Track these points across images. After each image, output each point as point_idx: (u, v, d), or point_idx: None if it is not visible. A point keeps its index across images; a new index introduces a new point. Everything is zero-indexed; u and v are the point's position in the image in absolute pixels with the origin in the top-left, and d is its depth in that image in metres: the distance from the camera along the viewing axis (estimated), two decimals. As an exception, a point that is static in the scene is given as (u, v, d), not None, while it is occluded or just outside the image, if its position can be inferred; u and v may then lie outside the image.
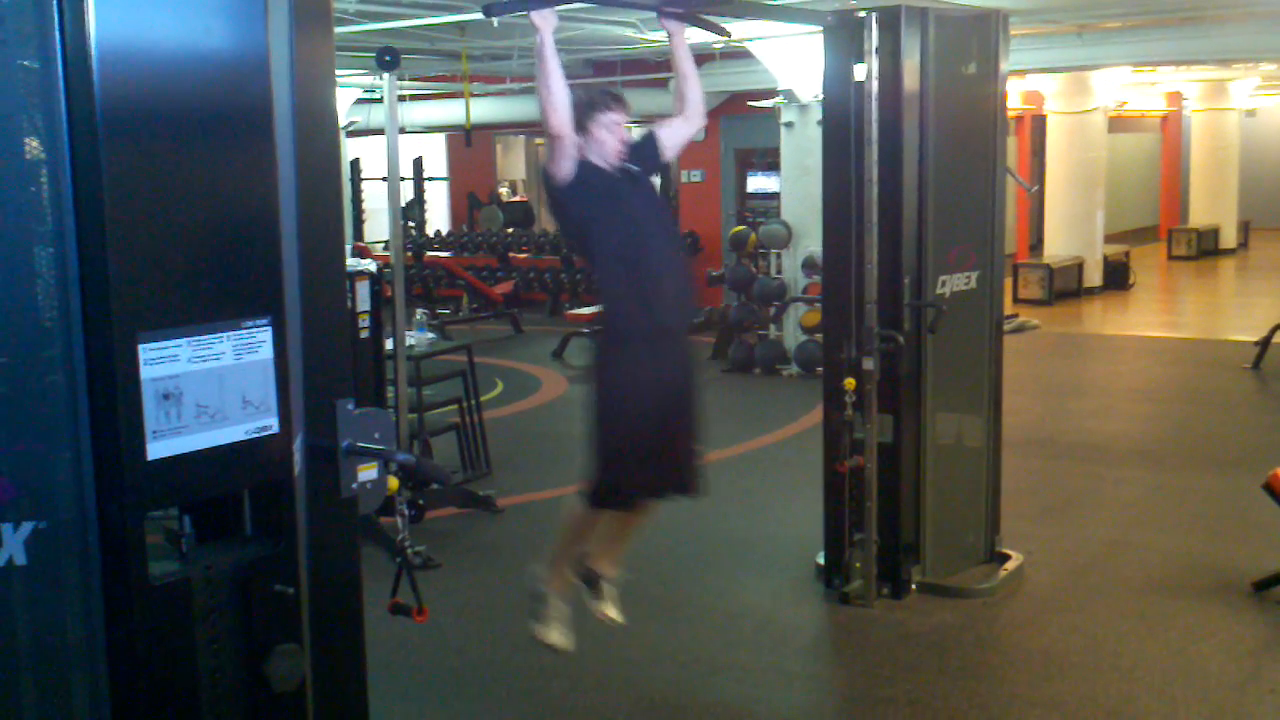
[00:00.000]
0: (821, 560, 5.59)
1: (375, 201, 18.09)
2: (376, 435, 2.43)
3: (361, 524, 2.55)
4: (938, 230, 5.32)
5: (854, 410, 5.22)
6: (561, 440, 9.02)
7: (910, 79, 5.16)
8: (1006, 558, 5.72)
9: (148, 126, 1.96)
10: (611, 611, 4.48)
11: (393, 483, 2.53)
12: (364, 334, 6.52)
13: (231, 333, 2.09)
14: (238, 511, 2.24)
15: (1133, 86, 19.27)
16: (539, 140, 22.71)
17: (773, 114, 11.66)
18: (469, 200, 19.03)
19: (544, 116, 4.02)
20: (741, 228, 12.14)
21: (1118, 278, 16.57)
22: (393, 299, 6.13)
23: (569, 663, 4.64)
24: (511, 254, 16.85)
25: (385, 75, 5.90)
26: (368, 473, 2.44)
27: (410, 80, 14.92)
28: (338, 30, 9.46)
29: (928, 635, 5.06)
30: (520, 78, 15.05)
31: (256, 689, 2.19)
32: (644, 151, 4.36)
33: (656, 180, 4.45)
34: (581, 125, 4.13)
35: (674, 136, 4.44)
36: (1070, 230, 15.99)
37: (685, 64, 4.43)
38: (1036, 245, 18.63)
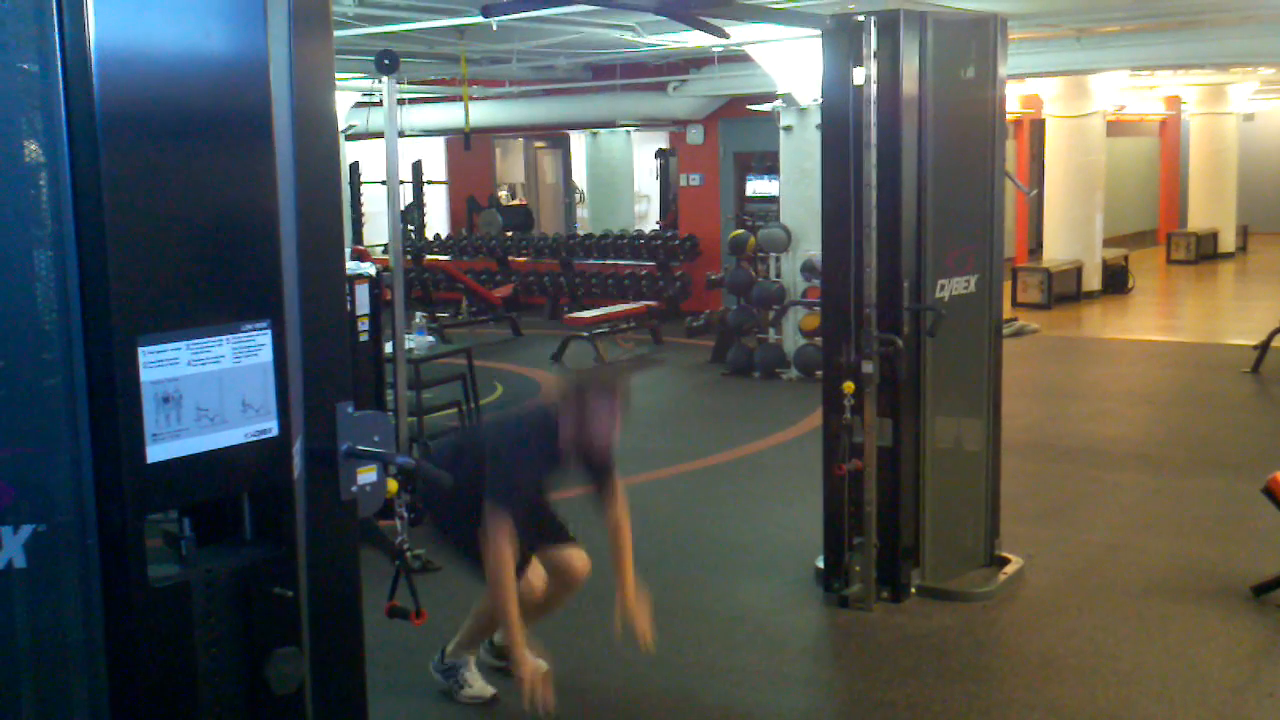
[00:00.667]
0: (821, 564, 5.59)
1: (374, 205, 18.10)
2: (376, 438, 2.43)
3: (361, 527, 2.54)
4: (937, 234, 5.33)
5: (853, 414, 5.22)
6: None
7: (909, 83, 5.17)
8: (1006, 561, 5.72)
9: (147, 130, 1.96)
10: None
11: (392, 486, 2.53)
12: (363, 337, 6.52)
13: (231, 336, 2.09)
14: (237, 514, 2.25)
15: (1131, 90, 19.30)
16: (539, 144, 22.75)
17: (772, 117, 11.67)
18: (468, 204, 19.03)
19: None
20: (741, 231, 12.14)
21: (1117, 281, 16.58)
22: (392, 302, 6.13)
23: (565, 666, 4.63)
24: (511, 257, 16.86)
25: (384, 79, 5.90)
26: (367, 476, 2.44)
27: (409, 84, 14.94)
28: (337, 33, 9.47)
29: (927, 639, 5.06)
30: (519, 81, 15.08)
31: (256, 692, 2.19)
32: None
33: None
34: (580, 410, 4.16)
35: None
36: (1069, 234, 16.01)
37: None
38: (1036, 249, 18.64)
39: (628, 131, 17.08)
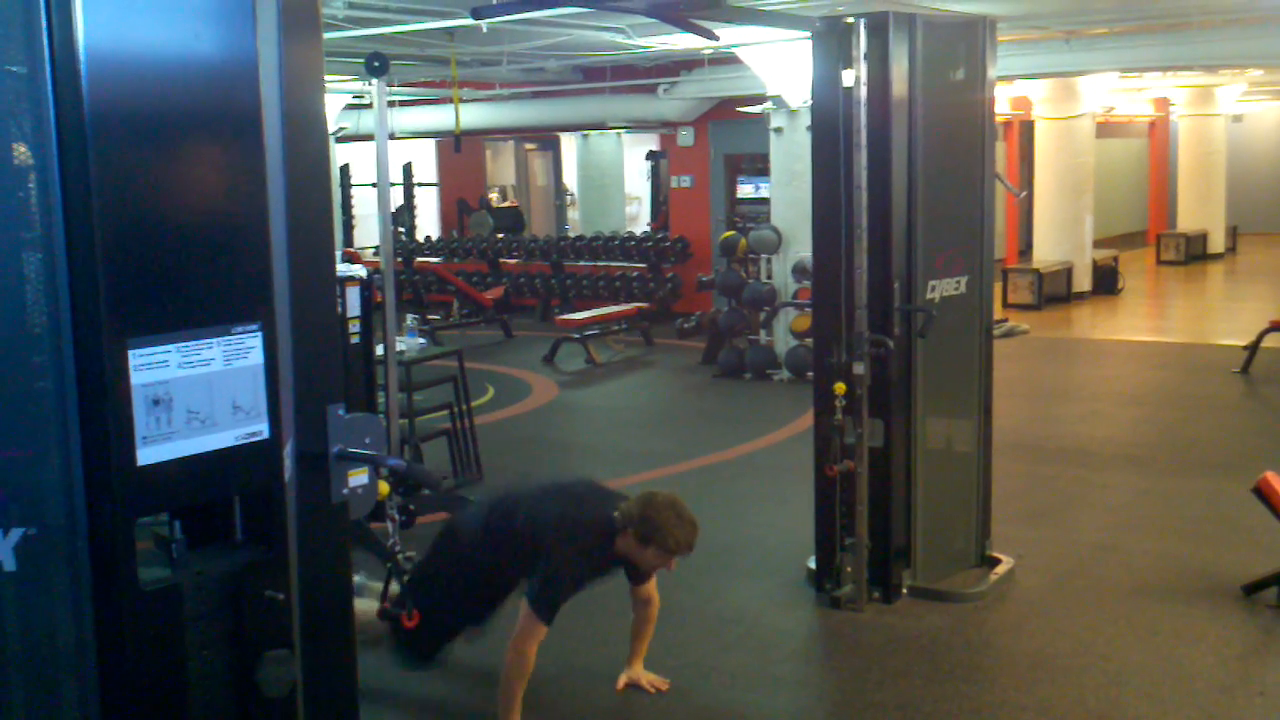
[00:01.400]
0: (812, 564, 5.60)
1: (365, 207, 18.05)
2: (367, 440, 2.43)
3: (352, 529, 2.54)
4: (927, 235, 5.34)
5: (844, 415, 5.23)
6: (552, 445, 9.02)
7: (899, 85, 5.18)
8: (996, 562, 5.73)
9: (136, 132, 1.96)
10: None
11: (383, 488, 2.53)
12: (354, 339, 6.51)
13: (221, 338, 2.08)
14: (228, 517, 2.24)
15: (1120, 92, 19.34)
16: (529, 146, 22.74)
17: (762, 119, 11.68)
18: (459, 206, 19.03)
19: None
20: (731, 233, 12.15)
21: (1107, 282, 16.62)
22: (383, 304, 6.12)
23: (558, 668, 4.63)
24: (501, 259, 16.85)
25: (374, 81, 5.88)
26: (358, 478, 2.44)
27: (400, 86, 14.93)
28: (327, 36, 9.47)
29: (918, 639, 5.07)
30: (510, 83, 15.07)
31: (247, 695, 2.19)
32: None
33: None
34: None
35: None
36: (1059, 235, 16.04)
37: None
38: (1026, 250, 18.66)
39: (618, 133, 17.08)
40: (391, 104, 14.73)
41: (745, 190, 14.87)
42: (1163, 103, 22.73)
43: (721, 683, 4.76)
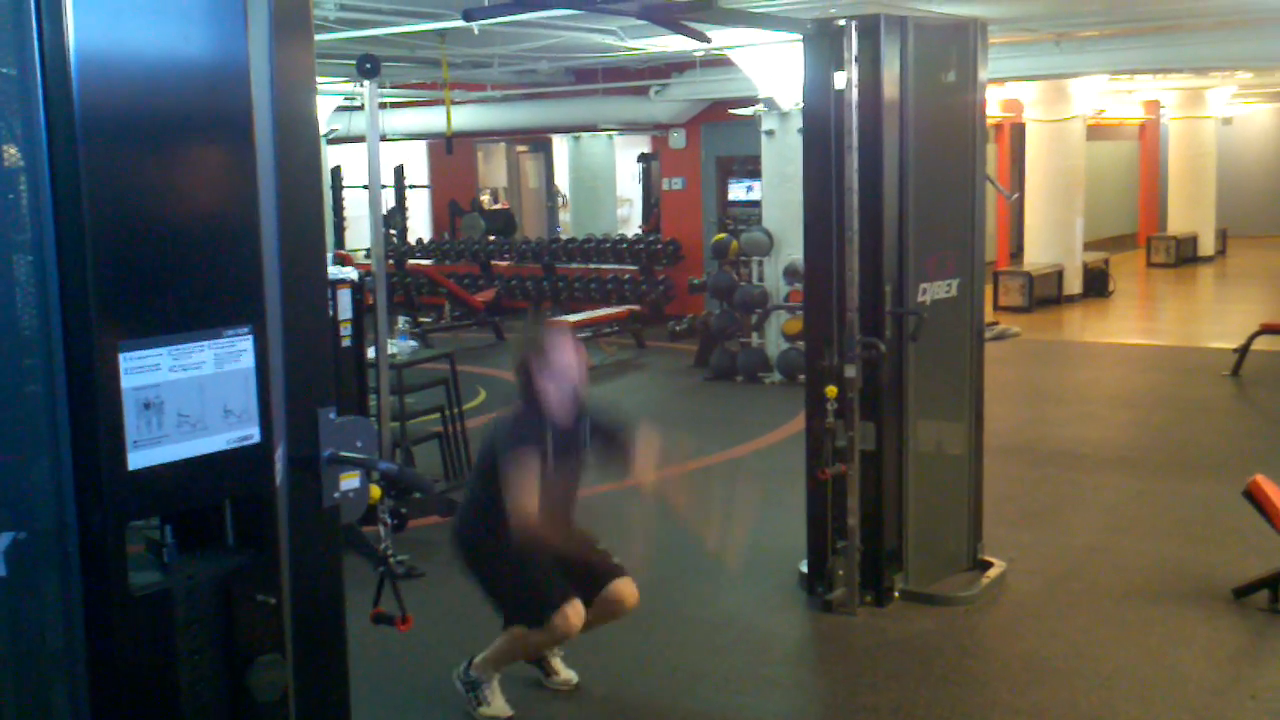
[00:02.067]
0: (804, 568, 5.59)
1: (356, 209, 18.03)
2: (359, 444, 2.42)
3: (344, 533, 2.53)
4: (918, 238, 5.34)
5: (836, 418, 5.23)
6: (543, 448, 8.99)
7: (890, 87, 5.18)
8: (988, 565, 5.74)
9: (127, 134, 1.95)
10: (566, 675, 4.69)
11: (375, 492, 2.52)
12: (346, 342, 6.50)
13: (212, 341, 2.07)
14: (219, 521, 2.23)
15: (1111, 94, 19.40)
16: (521, 148, 22.73)
17: (753, 122, 11.69)
18: (450, 208, 19.00)
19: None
20: (723, 235, 12.15)
21: (1097, 285, 16.66)
22: (374, 307, 6.11)
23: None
24: (493, 261, 16.83)
25: (366, 83, 5.89)
26: (350, 482, 2.43)
27: (391, 88, 14.91)
28: (318, 37, 9.43)
29: (910, 643, 5.07)
30: (501, 85, 15.06)
31: (239, 700, 2.18)
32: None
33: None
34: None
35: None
36: (1050, 238, 16.08)
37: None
38: (1017, 253, 18.71)
39: (610, 136, 17.08)
40: (383, 106, 14.71)
41: (737, 192, 14.88)
42: (1153, 105, 22.81)
43: (713, 686, 4.75)
